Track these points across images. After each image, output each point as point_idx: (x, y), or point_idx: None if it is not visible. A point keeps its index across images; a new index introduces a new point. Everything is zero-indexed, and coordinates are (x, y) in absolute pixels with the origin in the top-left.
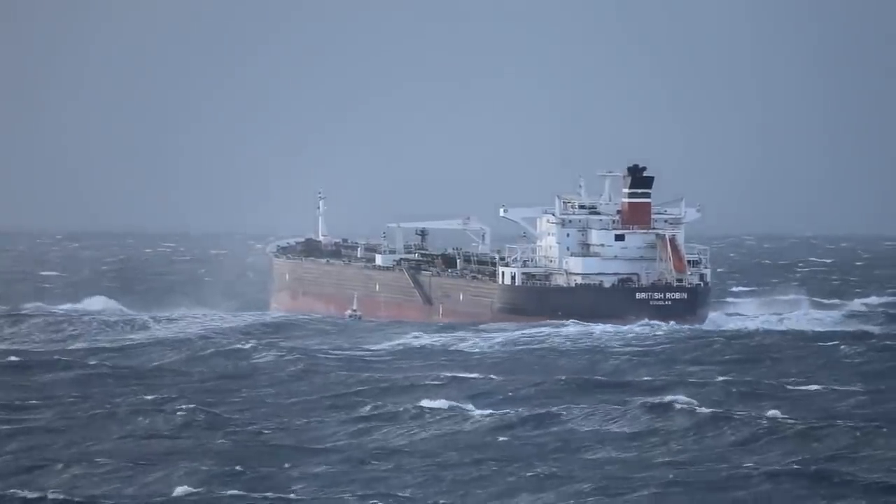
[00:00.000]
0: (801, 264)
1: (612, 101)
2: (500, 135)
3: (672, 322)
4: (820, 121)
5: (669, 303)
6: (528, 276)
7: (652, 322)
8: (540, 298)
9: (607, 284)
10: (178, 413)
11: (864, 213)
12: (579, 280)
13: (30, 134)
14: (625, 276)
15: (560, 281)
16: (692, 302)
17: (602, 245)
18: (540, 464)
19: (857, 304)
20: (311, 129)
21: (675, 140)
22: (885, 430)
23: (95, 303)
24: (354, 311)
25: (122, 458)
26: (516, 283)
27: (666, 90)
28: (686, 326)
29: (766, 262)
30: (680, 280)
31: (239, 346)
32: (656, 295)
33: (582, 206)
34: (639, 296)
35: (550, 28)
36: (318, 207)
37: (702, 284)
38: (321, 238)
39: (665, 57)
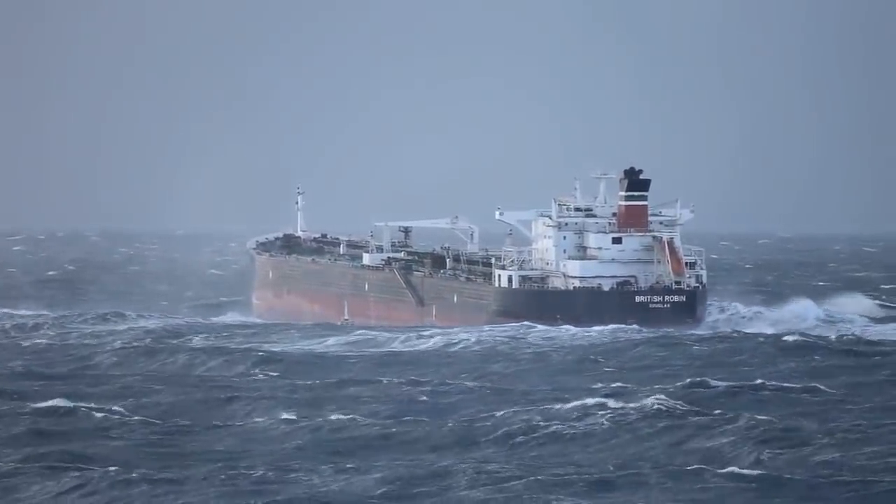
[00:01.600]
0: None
1: (601, 102)
2: (491, 134)
3: (670, 326)
4: (805, 122)
5: (668, 306)
6: (525, 278)
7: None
8: (537, 301)
9: (606, 287)
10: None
11: (846, 215)
12: (577, 283)
13: (21, 132)
14: (622, 279)
15: (558, 284)
16: (691, 304)
17: (599, 248)
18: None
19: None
20: (298, 124)
21: (660, 142)
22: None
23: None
24: (346, 319)
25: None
26: (513, 286)
27: (654, 92)
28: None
29: (747, 266)
30: (678, 283)
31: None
32: (655, 298)
33: (578, 209)
34: (638, 299)
35: (544, 28)
36: (297, 203)
37: (699, 287)
38: (300, 233)
39: (653, 57)
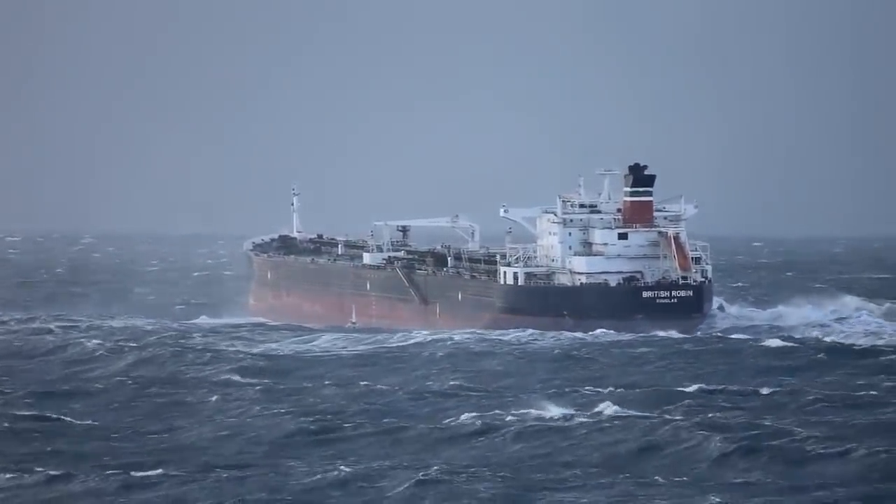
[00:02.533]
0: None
1: (601, 98)
2: (491, 133)
3: (677, 320)
4: (807, 123)
5: (675, 300)
6: (530, 275)
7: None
8: (544, 298)
9: (612, 283)
10: None
11: (849, 215)
12: (584, 279)
13: (18, 132)
14: (629, 274)
15: (564, 280)
16: (698, 299)
17: (605, 244)
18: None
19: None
20: (294, 124)
21: (660, 141)
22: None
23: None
24: (353, 323)
25: None
26: (519, 283)
27: (655, 92)
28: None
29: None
30: (685, 277)
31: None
32: (662, 293)
33: (582, 206)
34: (645, 294)
35: (545, 24)
36: (293, 204)
37: (706, 281)
38: (296, 234)
39: (656, 56)
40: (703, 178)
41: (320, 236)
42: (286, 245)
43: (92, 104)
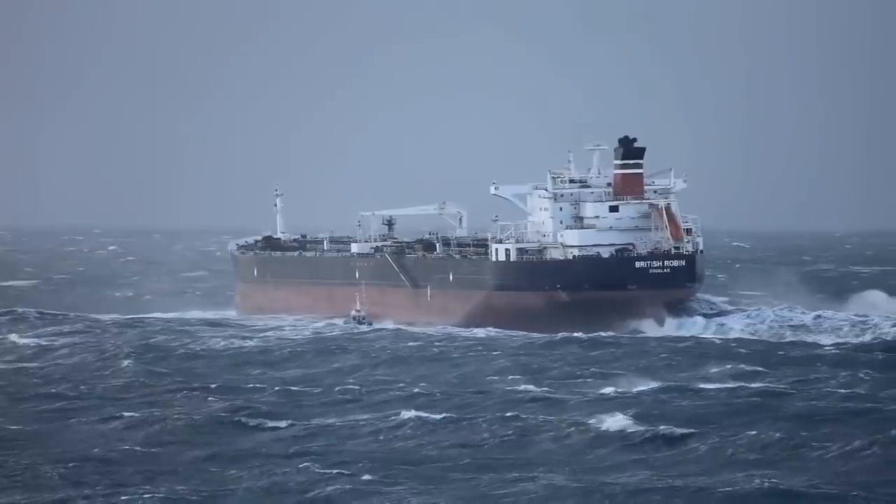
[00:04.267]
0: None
1: (591, 86)
2: (481, 120)
3: (670, 290)
4: (809, 119)
5: (668, 270)
6: (522, 251)
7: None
8: (537, 272)
9: (605, 255)
10: None
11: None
12: (576, 252)
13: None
14: (621, 246)
15: (556, 255)
16: (690, 269)
17: (597, 217)
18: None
19: None
20: (279, 118)
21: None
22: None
23: None
24: (359, 311)
25: None
26: (511, 259)
27: (654, 83)
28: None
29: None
30: (677, 248)
31: None
32: (655, 263)
33: (573, 181)
34: (638, 264)
35: (537, 9)
36: (276, 205)
37: (698, 251)
38: (280, 235)
39: (658, 46)
40: (696, 174)
41: (304, 236)
42: (271, 245)
43: (88, 103)
